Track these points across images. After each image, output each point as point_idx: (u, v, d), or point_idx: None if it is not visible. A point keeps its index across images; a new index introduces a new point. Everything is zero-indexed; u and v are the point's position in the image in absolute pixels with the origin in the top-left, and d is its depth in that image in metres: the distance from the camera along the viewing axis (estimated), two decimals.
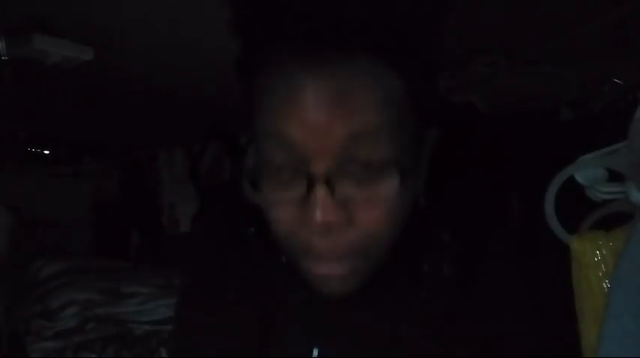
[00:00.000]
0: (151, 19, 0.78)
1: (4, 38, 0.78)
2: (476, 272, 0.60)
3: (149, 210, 1.86)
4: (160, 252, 1.84)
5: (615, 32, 0.84)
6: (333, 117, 0.43)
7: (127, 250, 1.89)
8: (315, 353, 0.55)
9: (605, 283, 0.73)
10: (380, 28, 0.43)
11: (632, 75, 0.99)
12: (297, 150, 0.44)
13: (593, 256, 0.74)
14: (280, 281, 0.58)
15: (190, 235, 1.70)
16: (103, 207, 1.95)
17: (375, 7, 0.42)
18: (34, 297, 1.49)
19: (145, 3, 0.73)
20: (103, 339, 1.45)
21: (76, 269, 1.56)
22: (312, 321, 0.56)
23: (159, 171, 1.83)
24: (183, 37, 0.82)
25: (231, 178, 1.53)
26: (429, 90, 0.50)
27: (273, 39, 0.44)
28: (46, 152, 1.72)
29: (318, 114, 0.42)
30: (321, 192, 0.44)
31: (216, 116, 1.24)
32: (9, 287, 1.50)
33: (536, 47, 0.92)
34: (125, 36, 0.84)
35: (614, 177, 0.79)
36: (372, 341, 0.54)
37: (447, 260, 0.57)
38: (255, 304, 0.58)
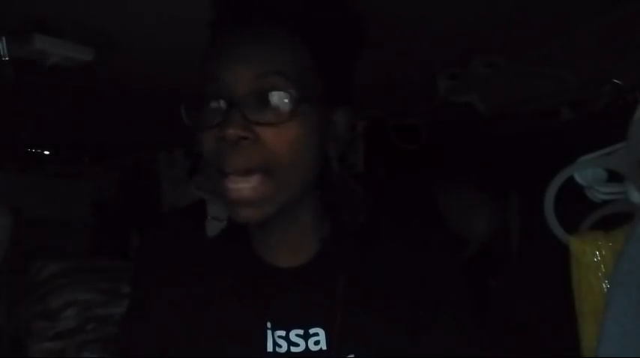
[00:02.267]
0: (151, 20, 0.78)
1: (5, 38, 0.78)
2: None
3: (149, 211, 1.86)
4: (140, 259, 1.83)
5: (615, 33, 0.84)
6: (249, 61, 0.59)
7: (127, 250, 1.89)
8: (269, 324, 0.65)
9: (605, 283, 0.73)
10: (290, 8, 0.61)
11: (631, 75, 0.99)
12: (224, 82, 0.60)
13: (592, 256, 0.74)
14: (238, 262, 0.67)
15: None
16: (103, 208, 1.95)
17: None
18: (35, 298, 1.49)
19: (145, 3, 0.73)
20: (103, 339, 1.45)
21: (76, 270, 1.56)
22: (263, 295, 0.66)
23: (159, 172, 1.83)
24: (183, 37, 0.82)
25: None
26: (336, 64, 0.63)
27: (228, 16, 0.63)
28: (46, 152, 1.71)
29: (238, 59, 0.60)
30: (234, 111, 0.58)
31: None
32: (9, 287, 1.50)
33: (536, 47, 0.92)
34: (125, 36, 0.84)
35: (614, 177, 0.79)
36: (317, 311, 0.65)
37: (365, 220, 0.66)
38: (210, 283, 0.67)
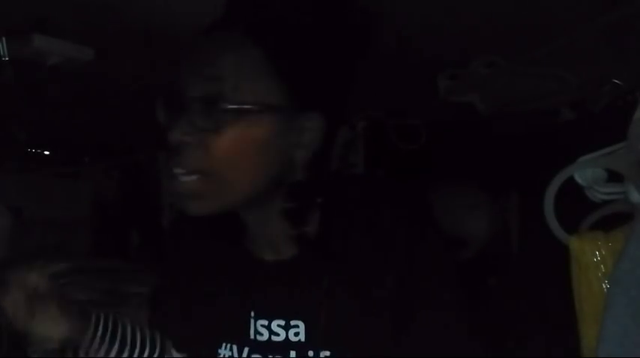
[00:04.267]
0: (151, 20, 0.79)
1: (5, 38, 0.78)
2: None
3: (149, 210, 1.86)
4: (160, 252, 1.84)
5: (615, 33, 0.84)
6: (198, 65, 0.61)
7: (127, 250, 1.89)
8: (253, 313, 0.68)
9: (605, 283, 0.73)
10: (250, 14, 0.62)
11: (631, 75, 0.99)
12: (178, 86, 0.61)
13: (592, 256, 0.74)
14: (230, 256, 0.71)
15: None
16: (103, 207, 1.95)
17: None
18: None
19: (145, 3, 0.73)
20: None
21: (76, 270, 1.56)
22: (250, 286, 0.69)
23: (159, 172, 1.83)
24: (183, 37, 0.82)
25: None
26: (300, 70, 0.62)
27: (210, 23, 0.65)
28: (47, 152, 1.71)
29: (190, 63, 0.62)
30: (181, 115, 0.59)
31: None
32: None
33: (536, 47, 0.92)
34: (125, 36, 0.84)
35: (614, 177, 0.79)
36: (298, 304, 0.67)
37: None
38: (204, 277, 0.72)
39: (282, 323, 0.68)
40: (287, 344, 0.67)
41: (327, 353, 0.65)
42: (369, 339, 0.65)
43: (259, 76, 0.60)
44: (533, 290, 1.45)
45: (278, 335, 0.68)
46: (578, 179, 0.80)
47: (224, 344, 0.69)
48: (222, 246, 0.72)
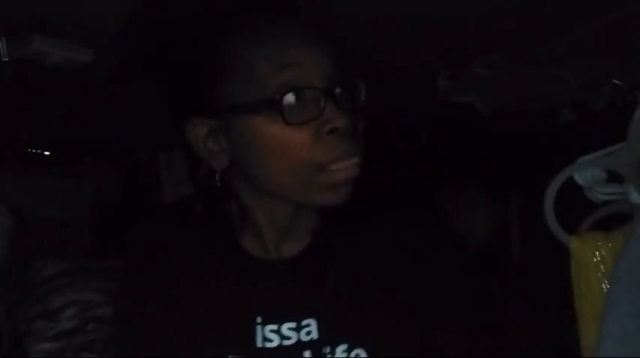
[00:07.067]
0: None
1: (5, 38, 0.78)
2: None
3: (149, 211, 1.85)
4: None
5: (615, 33, 0.84)
6: (333, 54, 0.62)
7: None
8: (259, 319, 0.64)
9: (605, 283, 0.73)
10: None
11: (631, 75, 0.99)
12: (308, 70, 0.60)
13: (592, 257, 0.74)
14: (225, 257, 0.67)
15: None
16: (104, 208, 1.95)
17: None
18: (35, 298, 1.49)
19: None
20: (103, 340, 1.45)
21: (76, 270, 1.56)
22: (252, 290, 0.65)
23: (159, 172, 1.83)
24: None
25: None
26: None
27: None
28: (47, 152, 1.71)
29: (321, 52, 0.62)
30: (332, 100, 0.60)
31: None
32: (9, 287, 1.50)
33: (536, 47, 0.92)
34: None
35: (614, 177, 0.79)
36: (308, 301, 0.65)
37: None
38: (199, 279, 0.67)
39: (294, 325, 0.65)
40: (299, 345, 0.64)
41: (345, 346, 0.63)
42: (382, 328, 0.64)
43: None
44: (533, 290, 1.45)
45: (289, 338, 0.64)
46: (578, 179, 0.80)
47: None
48: (212, 248, 0.67)
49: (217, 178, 0.63)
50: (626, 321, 0.67)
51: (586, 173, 0.80)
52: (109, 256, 1.75)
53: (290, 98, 0.57)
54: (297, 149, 0.58)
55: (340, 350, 0.63)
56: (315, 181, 0.60)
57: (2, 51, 0.78)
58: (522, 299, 1.51)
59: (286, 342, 0.64)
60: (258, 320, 0.65)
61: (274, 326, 0.65)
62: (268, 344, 0.64)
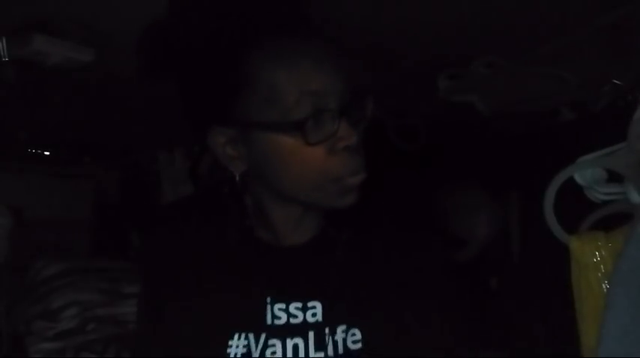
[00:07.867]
0: (151, 20, 0.78)
1: (5, 38, 0.78)
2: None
3: (149, 211, 1.86)
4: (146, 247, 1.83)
5: (615, 33, 0.84)
6: (337, 69, 0.66)
7: (127, 250, 1.89)
8: (269, 299, 0.70)
9: (605, 283, 0.73)
10: None
11: (631, 75, 0.99)
12: (325, 92, 0.65)
13: (592, 257, 0.74)
14: (239, 244, 0.73)
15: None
16: (104, 208, 1.95)
17: None
18: (35, 298, 1.49)
19: (145, 3, 0.73)
20: (103, 340, 1.45)
21: (76, 270, 1.56)
22: (263, 272, 0.71)
23: (159, 172, 1.83)
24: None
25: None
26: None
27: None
28: (47, 153, 1.71)
29: (333, 69, 0.66)
30: (344, 119, 0.65)
31: None
32: (9, 287, 1.50)
33: (536, 47, 0.92)
34: (125, 36, 0.84)
35: (614, 177, 0.79)
36: (315, 285, 0.70)
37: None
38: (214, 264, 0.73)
39: (300, 305, 0.70)
40: (305, 325, 0.70)
41: (344, 327, 0.69)
42: (384, 315, 0.70)
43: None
44: (533, 290, 1.46)
45: (296, 317, 0.70)
46: (578, 179, 0.80)
47: (236, 335, 0.69)
48: (225, 238, 0.73)
49: (237, 179, 0.69)
50: (626, 321, 0.67)
51: (586, 173, 0.80)
52: (109, 256, 1.76)
53: (311, 121, 0.63)
54: (313, 163, 0.65)
55: (340, 330, 0.69)
56: (328, 189, 0.66)
57: (2, 51, 0.79)
58: (522, 299, 1.51)
59: (293, 320, 0.70)
60: (268, 300, 0.70)
61: (282, 305, 0.70)
62: (277, 321, 0.70)
